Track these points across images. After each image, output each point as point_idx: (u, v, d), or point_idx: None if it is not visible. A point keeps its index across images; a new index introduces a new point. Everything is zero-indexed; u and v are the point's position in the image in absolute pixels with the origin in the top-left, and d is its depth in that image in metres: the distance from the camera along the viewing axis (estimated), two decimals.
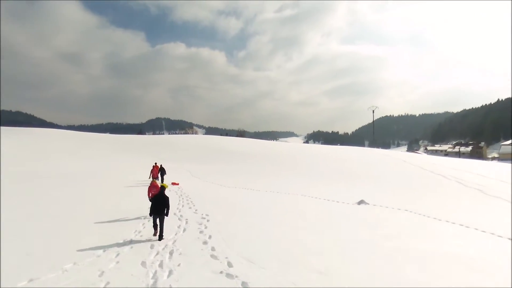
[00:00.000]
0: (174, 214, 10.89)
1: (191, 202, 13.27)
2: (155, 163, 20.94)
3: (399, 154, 43.44)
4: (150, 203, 8.72)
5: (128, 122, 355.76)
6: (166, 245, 7.44)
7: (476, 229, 9.80)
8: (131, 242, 7.69)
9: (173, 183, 19.22)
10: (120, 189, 16.26)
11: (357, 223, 10.20)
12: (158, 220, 8.42)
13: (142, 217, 10.31)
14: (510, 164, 45.93)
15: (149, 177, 19.37)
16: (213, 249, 7.19)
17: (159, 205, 8.37)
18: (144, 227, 9.11)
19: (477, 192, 17.82)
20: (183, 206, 12.46)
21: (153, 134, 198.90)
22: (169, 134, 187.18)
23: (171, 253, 6.93)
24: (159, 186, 11.49)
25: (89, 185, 16.83)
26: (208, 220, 9.97)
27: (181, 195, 15.01)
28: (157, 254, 6.88)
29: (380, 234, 8.80)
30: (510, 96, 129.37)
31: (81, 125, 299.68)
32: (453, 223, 10.59)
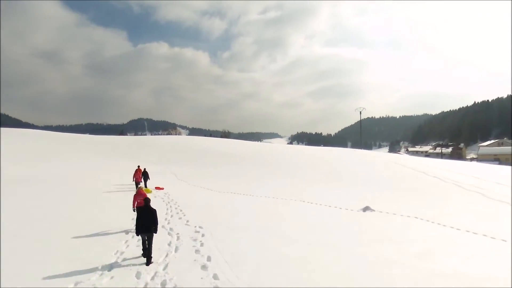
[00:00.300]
0: (163, 226, 9.38)
1: (181, 211, 11.76)
2: (138, 166, 19.18)
3: (387, 156, 43.21)
4: (136, 217, 7.22)
5: (109, 123, 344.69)
6: (155, 273, 5.97)
7: (504, 240, 8.86)
8: (112, 268, 6.16)
9: (157, 188, 17.60)
10: (98, 196, 14.48)
11: (377, 237, 9.01)
12: (146, 238, 6.97)
13: (125, 232, 8.75)
14: (491, 165, 46.91)
15: (133, 180, 17.64)
16: (215, 277, 5.78)
17: (146, 221, 6.90)
18: (127, 246, 7.57)
19: (478, 196, 17.20)
20: (172, 216, 10.95)
21: (135, 135, 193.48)
22: (151, 135, 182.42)
23: (163, 284, 5.48)
24: (146, 194, 9.99)
25: (62, 193, 14.93)
26: (203, 235, 8.53)
27: (168, 203, 13.44)
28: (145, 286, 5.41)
29: (410, 252, 7.62)
30: (510, 94, 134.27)
31: (59, 125, 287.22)
32: (475, 233, 9.62)
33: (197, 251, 7.26)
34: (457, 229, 10.01)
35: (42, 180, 18.18)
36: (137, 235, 7.06)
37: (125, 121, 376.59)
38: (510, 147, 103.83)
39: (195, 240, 8.07)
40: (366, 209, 12.73)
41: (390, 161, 34.14)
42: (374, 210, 12.63)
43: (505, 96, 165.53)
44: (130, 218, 9.90)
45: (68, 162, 27.80)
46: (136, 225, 7.01)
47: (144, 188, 16.86)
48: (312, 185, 20.52)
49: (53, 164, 25.80)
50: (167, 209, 12.18)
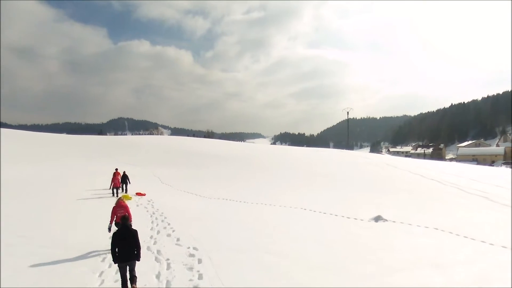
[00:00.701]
0: (148, 248, 7.63)
1: (168, 224, 10.00)
2: (116, 169, 17.17)
3: (377, 157, 42.70)
4: (112, 238, 5.52)
5: (88, 122, 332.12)
6: None
7: None
8: None
9: (139, 194, 15.69)
10: (69, 206, 12.44)
11: (411, 258, 7.62)
12: (128, 269, 5.32)
13: (99, 255, 6.96)
14: (473, 165, 47.56)
15: (110, 187, 15.63)
16: None
17: (125, 245, 5.27)
18: (102, 281, 5.79)
19: (483, 200, 16.36)
20: (158, 232, 9.17)
21: (115, 134, 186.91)
22: (132, 134, 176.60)
23: None
24: (128, 209, 8.22)
25: (24, 201, 12.77)
26: (200, 260, 6.85)
27: (153, 213, 11.61)
28: None
29: (468, 281, 6.23)
30: (510, 89, 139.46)
31: (34, 124, 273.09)
32: None
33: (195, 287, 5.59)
34: (491, 244, 8.83)
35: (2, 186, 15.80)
36: (115, 263, 5.42)
37: (104, 120, 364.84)
38: (487, 148, 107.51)
39: (190, 268, 6.38)
40: (378, 219, 11.41)
41: (382, 162, 33.42)
42: (386, 220, 11.33)
43: (479, 98, 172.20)
44: (107, 238, 8.08)
45: (38, 164, 25.14)
46: (111, 250, 5.38)
47: (123, 195, 14.92)
48: (309, 189, 19.15)
49: (21, 167, 23.14)
50: (152, 222, 10.38)
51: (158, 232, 9.19)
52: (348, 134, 62.43)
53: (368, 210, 13.29)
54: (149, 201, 14.10)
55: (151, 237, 8.72)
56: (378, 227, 10.65)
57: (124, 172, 16.92)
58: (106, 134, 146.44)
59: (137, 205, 13.08)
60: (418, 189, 18.42)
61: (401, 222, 11.18)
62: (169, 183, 20.84)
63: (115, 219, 7.88)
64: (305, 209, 13.27)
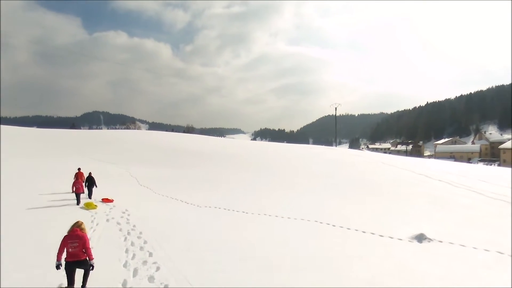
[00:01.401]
0: None
1: (150, 254, 7.07)
2: (79, 169, 13.93)
3: (370, 155, 41.09)
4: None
5: (60, 116, 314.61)
6: None
7: None
8: None
9: (105, 200, 12.60)
10: (17, 217, 9.22)
11: None
12: None
13: None
14: (454, 162, 47.35)
15: (72, 191, 12.37)
16: None
17: None
18: None
19: (505, 205, 14.48)
20: (136, 269, 6.24)
21: (90, 128, 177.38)
22: (108, 129, 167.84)
23: None
24: (86, 240, 5.34)
25: None
26: None
27: (128, 233, 8.60)
28: None
29: None
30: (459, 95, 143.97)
31: (2, 117, 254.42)
32: None
33: None
34: None
35: None
36: None
37: (78, 114, 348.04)
38: (464, 145, 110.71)
39: None
40: (420, 238, 9.00)
41: (376, 161, 31.63)
42: (432, 240, 8.96)
43: (453, 97, 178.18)
44: (61, 274, 5.24)
45: None
46: None
47: (86, 203, 11.76)
48: (315, 192, 16.68)
49: None
50: (127, 249, 7.39)
51: (136, 269, 6.26)
52: (336, 131, 60.82)
53: (395, 224, 10.93)
54: (123, 212, 11.02)
55: (126, 263, 5.89)
56: (427, 250, 8.24)
57: (90, 173, 13.67)
58: (80, 128, 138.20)
59: (107, 220, 9.99)
60: (437, 193, 16.38)
61: (450, 243, 8.84)
62: (148, 184, 17.73)
63: (65, 255, 5.09)
64: (321, 223, 10.69)
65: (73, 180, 12.62)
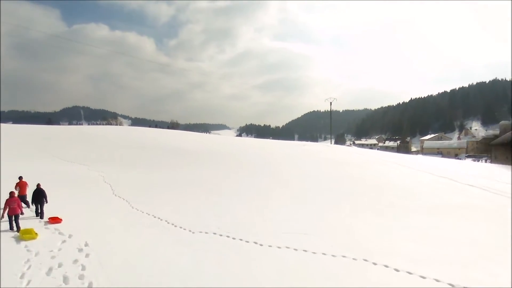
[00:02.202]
0: None
1: None
2: (20, 178, 10.31)
3: (369, 152, 38.65)
4: None
5: (38, 110, 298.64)
6: None
7: None
8: None
9: (52, 220, 9.09)
10: None
11: None
12: None
13: None
14: (441, 158, 46.03)
15: (2, 215, 8.56)
16: None
17: None
18: None
19: None
20: None
21: (69, 124, 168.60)
22: (88, 124, 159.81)
23: None
24: None
25: None
26: None
27: None
28: None
29: None
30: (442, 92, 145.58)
31: None
32: None
33: None
34: None
35: None
36: None
37: (57, 108, 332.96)
38: (451, 141, 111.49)
39: None
40: None
41: (384, 161, 29.03)
42: None
43: (435, 93, 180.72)
44: None
45: None
46: None
47: (24, 229, 8.16)
48: (348, 215, 13.60)
49: None
50: None
51: None
52: (331, 125, 58.32)
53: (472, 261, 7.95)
54: (80, 250, 7.45)
55: None
56: None
57: (38, 184, 10.00)
58: (58, 124, 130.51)
59: (50, 269, 6.42)
60: (490, 206, 13.64)
61: None
62: (125, 194, 14.03)
63: None
64: (375, 263, 7.55)
65: (7, 197, 8.76)
